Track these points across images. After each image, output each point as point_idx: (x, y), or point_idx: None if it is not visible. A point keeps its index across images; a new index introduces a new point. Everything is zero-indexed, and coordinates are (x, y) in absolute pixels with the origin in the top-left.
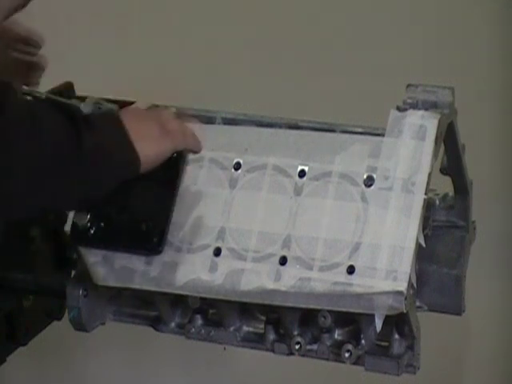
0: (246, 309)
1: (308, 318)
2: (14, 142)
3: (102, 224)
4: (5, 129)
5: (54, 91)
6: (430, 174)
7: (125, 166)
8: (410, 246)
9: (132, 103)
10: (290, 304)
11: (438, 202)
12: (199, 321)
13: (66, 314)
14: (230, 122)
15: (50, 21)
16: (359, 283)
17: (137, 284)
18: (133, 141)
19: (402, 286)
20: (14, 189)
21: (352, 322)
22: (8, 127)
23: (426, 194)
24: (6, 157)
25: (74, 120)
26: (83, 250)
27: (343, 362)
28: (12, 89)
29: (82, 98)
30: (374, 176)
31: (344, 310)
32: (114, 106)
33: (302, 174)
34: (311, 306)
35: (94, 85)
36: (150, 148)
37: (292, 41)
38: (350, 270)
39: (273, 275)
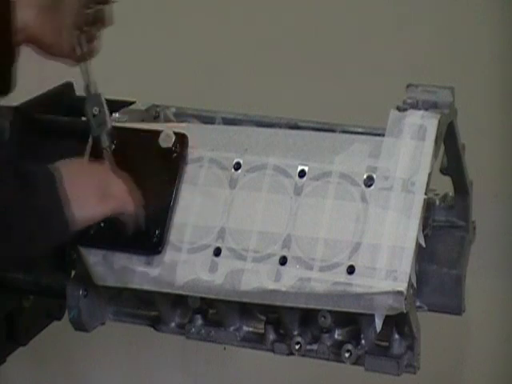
0: (246, 309)
1: (308, 318)
2: None
3: (102, 224)
4: None
5: (54, 91)
6: (429, 174)
7: (57, 230)
8: (410, 246)
9: (132, 103)
10: (290, 304)
11: (438, 202)
12: (199, 321)
13: (66, 314)
14: (229, 122)
15: None
16: (359, 283)
17: (137, 284)
18: (67, 205)
19: (402, 286)
20: None
21: (352, 322)
22: None
23: (425, 194)
24: None
25: (21, 181)
26: (83, 250)
27: (343, 362)
28: None
29: (83, 99)
30: (374, 176)
31: (344, 310)
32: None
33: (301, 173)
34: (311, 306)
35: (98, 86)
36: (83, 213)
37: (292, 41)
38: (350, 270)
39: (273, 275)
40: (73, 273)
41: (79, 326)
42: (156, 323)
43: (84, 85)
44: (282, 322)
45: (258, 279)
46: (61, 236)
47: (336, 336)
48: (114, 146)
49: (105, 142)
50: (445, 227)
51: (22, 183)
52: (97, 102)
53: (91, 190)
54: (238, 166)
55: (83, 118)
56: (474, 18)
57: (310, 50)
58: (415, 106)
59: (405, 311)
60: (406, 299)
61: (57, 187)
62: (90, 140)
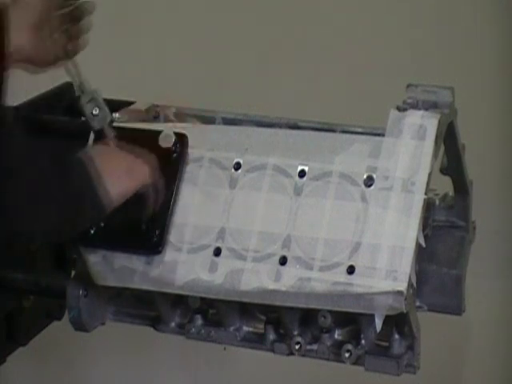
0: (246, 309)
1: (308, 318)
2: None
3: (102, 224)
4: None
5: (54, 91)
6: (429, 174)
7: (94, 209)
8: (410, 246)
9: (132, 103)
10: (290, 304)
11: (437, 202)
12: (199, 321)
13: (66, 314)
14: (229, 122)
15: None
16: (359, 283)
17: (137, 284)
18: (101, 185)
19: (402, 286)
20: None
21: (352, 322)
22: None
23: (425, 194)
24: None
25: (57, 166)
26: (83, 250)
27: (343, 362)
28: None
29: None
30: (374, 176)
31: (344, 309)
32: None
33: (302, 173)
34: (311, 306)
35: (94, 85)
36: (116, 189)
37: (292, 41)
38: (350, 270)
39: (273, 275)
40: (73, 273)
41: (79, 326)
42: (156, 323)
43: (76, 84)
44: (282, 322)
45: (257, 279)
46: (98, 215)
47: (336, 336)
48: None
49: (109, 133)
50: (445, 227)
51: (59, 168)
52: (93, 97)
53: (120, 168)
54: (237, 166)
55: (83, 118)
56: (474, 18)
57: (310, 50)
58: (415, 106)
59: (405, 311)
60: (405, 299)
61: (90, 170)
62: (92, 136)
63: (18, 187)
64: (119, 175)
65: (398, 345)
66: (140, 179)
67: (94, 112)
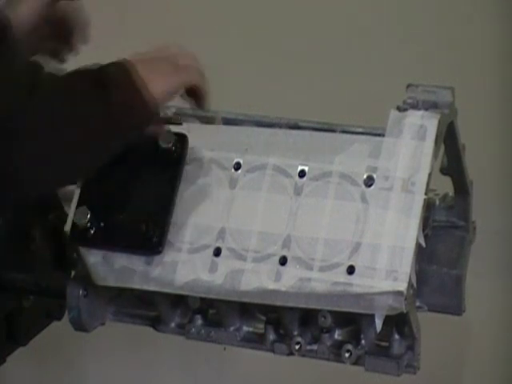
0: (246, 309)
1: (308, 318)
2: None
3: (102, 224)
4: (40, 104)
5: None
6: (430, 174)
7: (142, 115)
8: (410, 246)
9: None
10: (290, 304)
11: (437, 202)
12: (199, 321)
13: (66, 314)
14: (230, 122)
15: None
16: (359, 283)
17: (137, 284)
18: (146, 89)
19: (402, 286)
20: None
21: (352, 322)
22: (45, 102)
23: (426, 194)
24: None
25: (96, 84)
26: (83, 250)
27: (343, 363)
28: (41, 67)
29: None
30: (374, 176)
31: (344, 310)
32: None
33: (302, 174)
34: (311, 306)
35: None
36: (160, 87)
37: (292, 41)
38: (350, 270)
39: (273, 275)
40: (73, 273)
41: (79, 326)
42: (156, 323)
43: None
44: (282, 322)
45: (258, 279)
46: (147, 119)
47: (336, 336)
48: None
49: None
50: (445, 227)
51: (99, 86)
52: None
53: (164, 65)
54: (238, 166)
55: None
56: (475, 18)
57: (310, 50)
58: (415, 106)
59: (405, 311)
60: (406, 299)
61: (132, 78)
62: None
63: (57, 112)
64: (164, 73)
65: (398, 345)
66: (185, 76)
67: None
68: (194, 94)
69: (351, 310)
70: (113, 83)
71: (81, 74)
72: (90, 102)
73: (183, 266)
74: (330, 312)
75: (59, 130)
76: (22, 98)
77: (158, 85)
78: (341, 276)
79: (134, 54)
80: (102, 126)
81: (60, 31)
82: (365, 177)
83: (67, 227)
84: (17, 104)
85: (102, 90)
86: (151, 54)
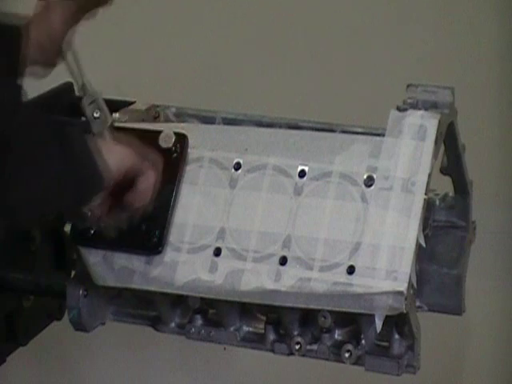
0: (246, 309)
1: (308, 317)
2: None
3: (102, 224)
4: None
5: (54, 91)
6: (430, 174)
7: (94, 183)
8: (410, 246)
9: (132, 103)
10: (290, 304)
11: (438, 202)
12: (199, 321)
13: (66, 314)
14: (230, 122)
15: None
16: (359, 283)
17: (137, 284)
18: (101, 158)
19: (402, 286)
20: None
21: (352, 322)
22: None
23: (426, 194)
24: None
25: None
26: (83, 250)
27: (343, 362)
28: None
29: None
30: (374, 176)
31: (344, 310)
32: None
33: (302, 174)
34: (311, 307)
35: (93, 84)
36: (116, 161)
37: (292, 41)
38: (350, 270)
39: (273, 275)
40: (73, 273)
41: (79, 326)
42: (156, 323)
43: (79, 85)
44: (282, 322)
45: (258, 279)
46: (98, 189)
47: (336, 336)
48: None
49: (108, 136)
50: (445, 227)
51: (60, 141)
52: (94, 100)
53: (119, 151)
54: (238, 166)
55: (83, 118)
56: (474, 18)
57: (310, 50)
58: (415, 106)
59: (405, 311)
60: (406, 299)
61: (91, 144)
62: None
63: (17, 160)
64: (117, 154)
65: (398, 345)
66: (140, 162)
67: (95, 115)
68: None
69: (351, 310)
70: (71, 141)
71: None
72: (48, 152)
73: (183, 266)
74: (330, 312)
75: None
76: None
77: (112, 162)
78: (341, 276)
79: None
80: (57, 181)
81: None
82: (365, 177)
83: (67, 227)
84: None
85: (62, 146)
86: (108, 142)
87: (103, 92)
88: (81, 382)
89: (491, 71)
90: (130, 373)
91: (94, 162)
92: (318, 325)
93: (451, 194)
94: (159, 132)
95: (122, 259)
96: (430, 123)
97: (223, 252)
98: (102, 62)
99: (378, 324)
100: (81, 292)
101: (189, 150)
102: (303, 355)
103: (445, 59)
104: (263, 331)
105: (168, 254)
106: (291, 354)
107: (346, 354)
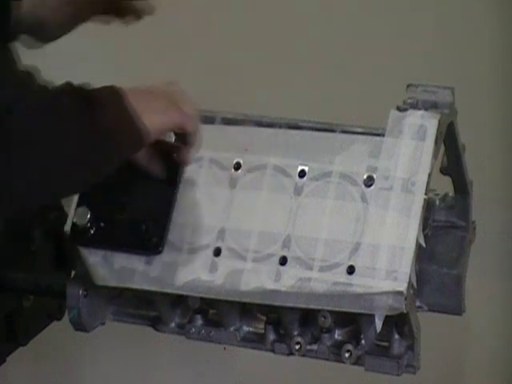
0: (246, 309)
1: (308, 318)
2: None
3: (102, 224)
4: (26, 117)
5: None
6: (430, 174)
7: (131, 140)
8: (410, 246)
9: None
10: (290, 304)
11: (438, 202)
12: (199, 321)
13: (66, 314)
14: (230, 122)
15: None
16: (359, 283)
17: (137, 284)
18: (137, 116)
19: (402, 286)
20: (30, 176)
21: (352, 322)
22: (28, 115)
23: (426, 194)
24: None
25: (84, 101)
26: (83, 250)
27: (343, 362)
28: (33, 77)
29: None
30: (374, 176)
31: (344, 310)
32: None
33: (302, 174)
34: (311, 307)
35: (93, 85)
36: (149, 123)
37: (292, 41)
38: (350, 270)
39: (273, 275)
40: (73, 273)
41: (79, 326)
42: (156, 323)
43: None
44: (282, 322)
45: (258, 279)
46: (135, 148)
47: (336, 336)
48: None
49: None
50: (445, 227)
51: (87, 104)
52: None
53: (158, 103)
54: (238, 166)
55: None
56: (474, 18)
57: (310, 50)
58: (415, 106)
59: (405, 311)
60: (406, 299)
61: (124, 102)
62: None
63: (40, 129)
64: (157, 111)
65: (398, 345)
66: (176, 117)
67: None
68: (183, 137)
69: (351, 310)
70: (101, 103)
71: (70, 92)
72: (75, 118)
73: (183, 266)
74: (330, 312)
75: (44, 142)
76: (7, 108)
77: (147, 120)
78: (341, 276)
79: (132, 87)
80: (85, 146)
81: None
82: (365, 177)
83: (67, 227)
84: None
85: (89, 110)
86: (149, 88)
87: None
88: (81, 382)
89: (491, 71)
90: (130, 373)
91: (131, 122)
92: (317, 325)
93: (451, 194)
94: None
95: (121, 259)
96: (430, 123)
97: (223, 252)
98: (101, 62)
99: (378, 324)
100: (81, 292)
101: None
102: (303, 355)
103: (445, 59)
104: (263, 331)
105: (168, 254)
106: (291, 354)
107: (346, 354)
